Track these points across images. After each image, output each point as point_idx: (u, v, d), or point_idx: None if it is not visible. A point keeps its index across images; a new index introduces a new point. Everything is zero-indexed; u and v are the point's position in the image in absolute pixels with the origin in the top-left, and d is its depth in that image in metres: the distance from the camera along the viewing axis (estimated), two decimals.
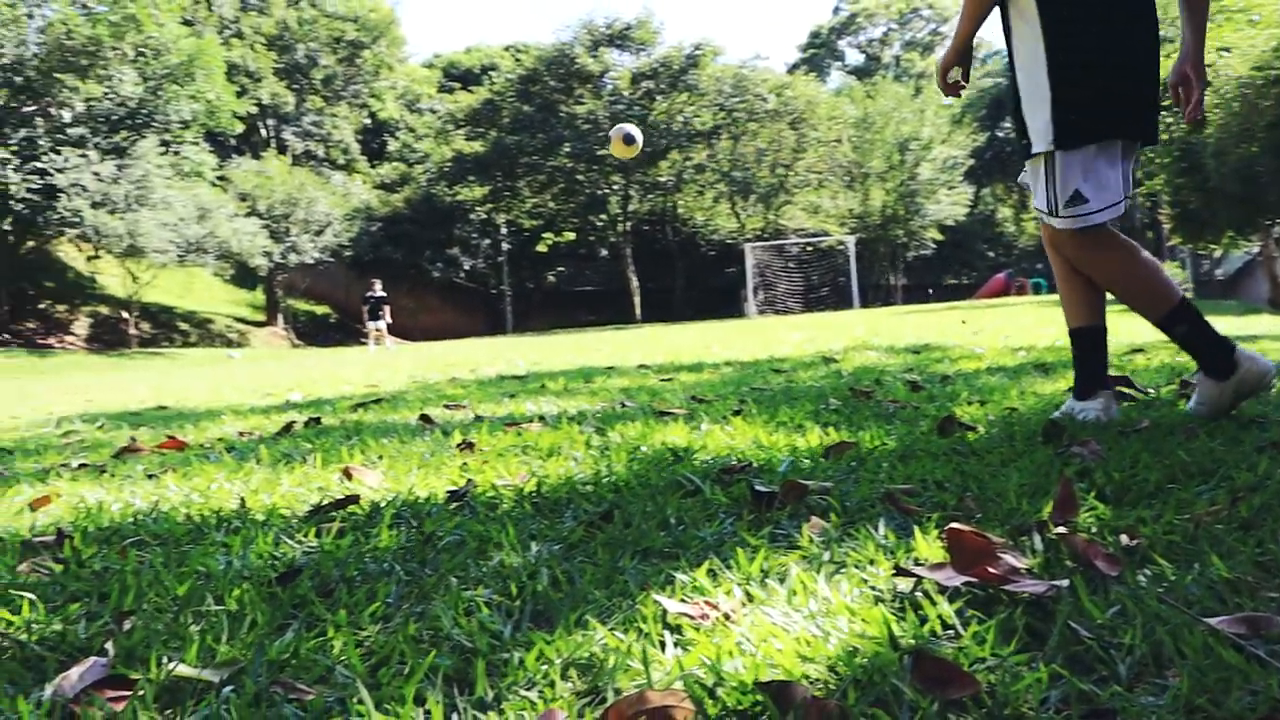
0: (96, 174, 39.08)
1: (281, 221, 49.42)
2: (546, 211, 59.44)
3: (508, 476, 3.05)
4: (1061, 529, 1.99)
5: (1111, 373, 3.64)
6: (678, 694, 1.33)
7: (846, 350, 9.05)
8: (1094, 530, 2.03)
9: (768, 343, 12.82)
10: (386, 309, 32.29)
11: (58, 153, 38.52)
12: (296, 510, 2.79)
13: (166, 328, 46.18)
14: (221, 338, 47.29)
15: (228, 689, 1.51)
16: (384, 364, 16.13)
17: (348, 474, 3.22)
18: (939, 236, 61.86)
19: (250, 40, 57.47)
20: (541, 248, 62.50)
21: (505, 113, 55.12)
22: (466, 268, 60.49)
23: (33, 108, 39.78)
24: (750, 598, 1.77)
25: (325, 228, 51.34)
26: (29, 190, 37.37)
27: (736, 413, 4.34)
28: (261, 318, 52.52)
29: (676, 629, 1.64)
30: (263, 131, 59.25)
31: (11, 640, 1.79)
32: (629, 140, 6.09)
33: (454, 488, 2.90)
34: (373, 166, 64.58)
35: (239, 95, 48.28)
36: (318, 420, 5.38)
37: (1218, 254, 44.53)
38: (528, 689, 1.45)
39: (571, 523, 2.43)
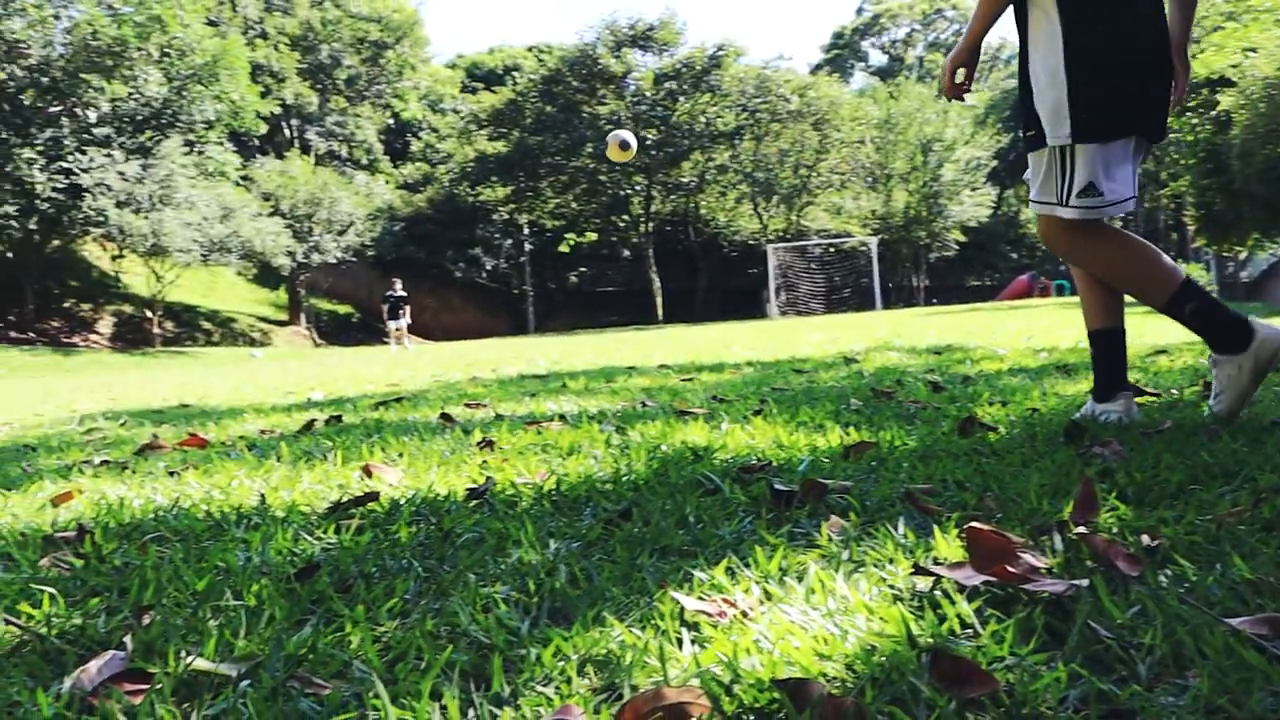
0: (121, 174, 39.28)
1: (304, 221, 49.60)
2: (569, 212, 59.48)
3: (527, 474, 3.06)
4: (1082, 529, 1.97)
5: (1133, 375, 3.63)
6: (694, 691, 1.33)
7: (868, 351, 9.03)
8: (1115, 530, 2.01)
9: (789, 343, 12.80)
10: (407, 308, 32.35)
11: (83, 152, 38.73)
12: (316, 507, 2.80)
13: (190, 327, 46.38)
14: (244, 337, 47.47)
15: (245, 683, 1.51)
16: (405, 363, 16.17)
17: (368, 471, 3.23)
18: (962, 238, 61.72)
19: (274, 40, 57.68)
20: (564, 248, 62.59)
21: (528, 113, 55.16)
22: (489, 268, 60.62)
23: (59, 108, 40.02)
24: (768, 596, 1.76)
25: (348, 227, 51.49)
26: (55, 190, 37.57)
27: (757, 412, 4.33)
28: (284, 317, 52.70)
29: (694, 626, 1.64)
30: (286, 131, 59.47)
31: (32, 634, 1.79)
32: (624, 146, 6.41)
33: (473, 485, 2.90)
34: (396, 166, 64.76)
35: (263, 95, 48.44)
36: (339, 418, 5.39)
37: (1243, 256, 44.22)
38: (544, 685, 1.45)
39: (590, 520, 2.43)
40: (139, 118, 41.77)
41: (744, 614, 1.65)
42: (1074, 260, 3.37)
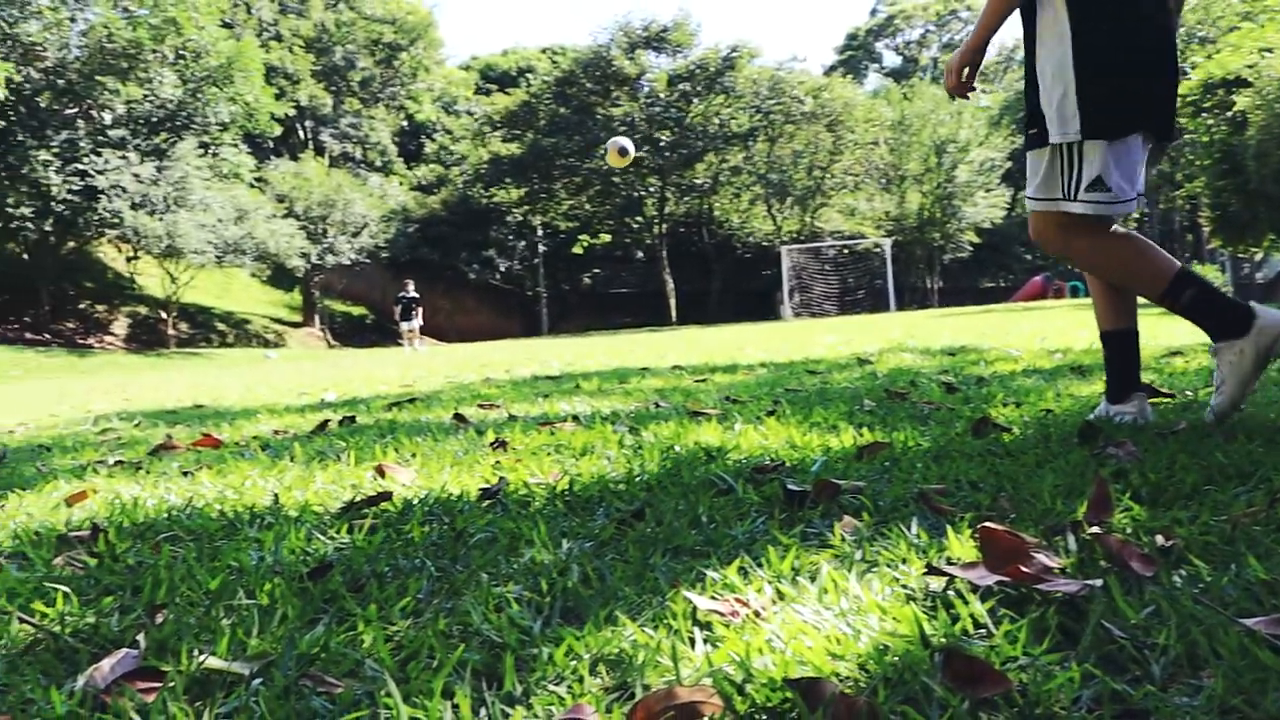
0: (136, 175, 39.43)
1: (319, 223, 49.73)
2: (583, 213, 59.54)
3: (540, 475, 3.06)
4: (1096, 529, 1.97)
5: (1148, 376, 3.61)
6: (706, 690, 1.32)
7: (882, 352, 9.02)
8: (1129, 531, 2.00)
9: (803, 344, 12.79)
10: (419, 310, 32.41)
11: (98, 154, 38.89)
12: (329, 507, 2.80)
13: (204, 328, 46.51)
14: (258, 338, 47.59)
15: (257, 681, 1.51)
16: (419, 364, 16.19)
17: (381, 471, 3.23)
18: (976, 239, 61.59)
19: (289, 43, 57.87)
20: (577, 250, 62.64)
21: (542, 115, 55.22)
22: (503, 269, 60.71)
23: (74, 110, 40.19)
24: (781, 595, 1.76)
25: (362, 229, 51.60)
26: (70, 191, 37.72)
27: (770, 413, 4.32)
28: (298, 318, 52.82)
29: (706, 626, 1.63)
30: (300, 133, 59.64)
31: (46, 632, 1.80)
32: (623, 152, 6.83)
33: (486, 485, 2.90)
34: (410, 168, 64.90)
35: (277, 97, 48.54)
36: (352, 419, 5.40)
37: (1258, 257, 44.13)
38: (556, 684, 1.45)
39: (603, 520, 2.42)
40: (154, 120, 41.93)
41: (756, 613, 1.65)
42: (1068, 257, 3.35)
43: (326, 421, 5.35)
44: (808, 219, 58.50)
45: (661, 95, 55.64)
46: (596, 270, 64.73)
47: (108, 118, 40.58)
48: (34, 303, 40.61)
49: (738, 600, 1.70)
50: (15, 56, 37.82)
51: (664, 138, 54.16)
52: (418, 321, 32.38)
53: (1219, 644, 1.38)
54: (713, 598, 1.75)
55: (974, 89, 3.53)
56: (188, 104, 42.32)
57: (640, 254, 63.11)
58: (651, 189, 56.98)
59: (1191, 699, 1.25)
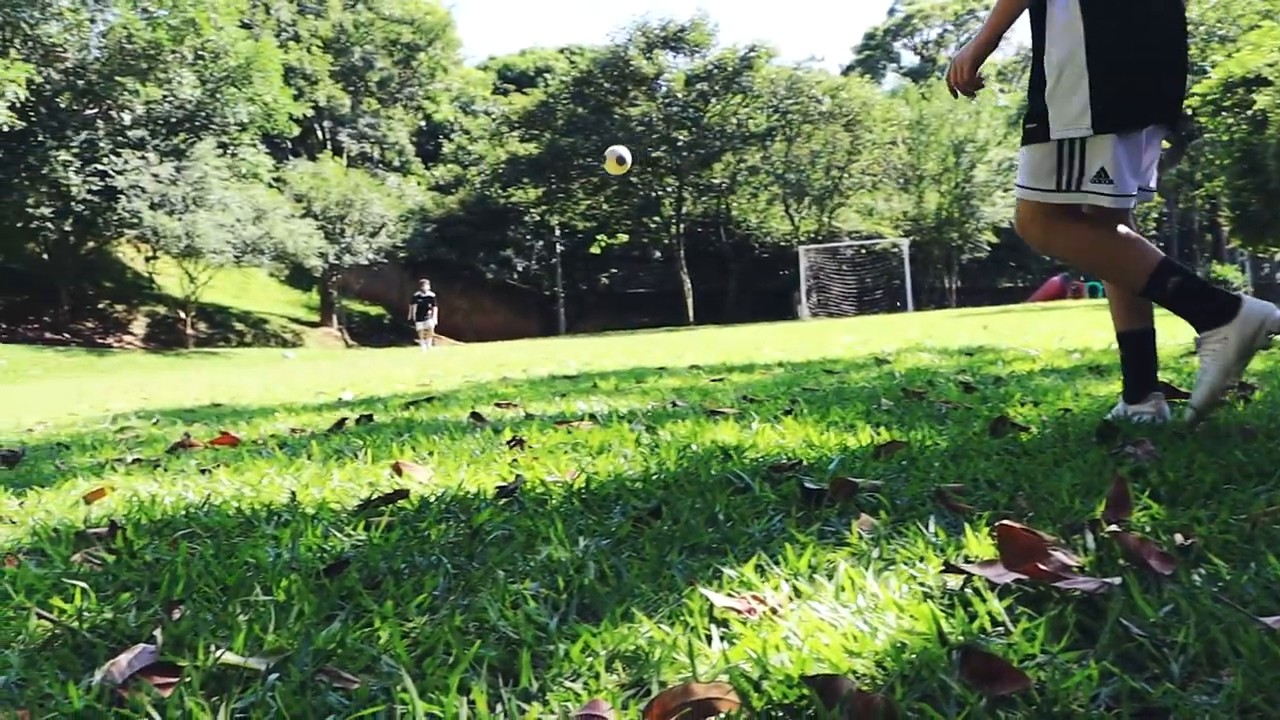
0: (155, 175, 39.55)
1: (337, 223, 49.84)
2: (600, 214, 59.54)
3: (557, 473, 3.06)
4: (1114, 528, 1.96)
5: (1166, 375, 3.59)
6: (723, 686, 1.32)
7: (899, 352, 9.00)
8: (1148, 529, 1.99)
9: (820, 344, 12.77)
10: (434, 309, 32.50)
11: (118, 155, 39.02)
12: (346, 504, 2.81)
13: (222, 328, 46.65)
14: (276, 338, 47.71)
15: (273, 676, 1.52)
16: (436, 364, 16.21)
17: (398, 469, 3.24)
18: (994, 239, 61.36)
19: (307, 43, 57.99)
20: (595, 250, 62.64)
21: (559, 115, 55.22)
22: (520, 269, 60.77)
23: (94, 110, 40.34)
24: (798, 593, 1.75)
25: (380, 229, 51.69)
26: (89, 192, 37.86)
27: (787, 412, 4.32)
28: (316, 318, 52.95)
29: (723, 623, 1.63)
30: (319, 133, 59.79)
31: (64, 627, 1.81)
32: (621, 161, 7.26)
33: (503, 483, 2.91)
34: (427, 168, 65.00)
35: (296, 98, 48.68)
36: (369, 417, 5.41)
37: (1278, 257, 43.90)
38: (572, 680, 1.44)
39: (620, 518, 2.42)
40: (173, 120, 42.06)
41: (773, 611, 1.65)
42: (1050, 248, 3.34)
43: (344, 420, 5.37)
44: (825, 219, 58.38)
45: (679, 95, 55.60)
46: (614, 270, 64.73)
47: (127, 118, 40.72)
48: (53, 302, 40.80)
49: (754, 597, 1.70)
50: (36, 58, 38.00)
51: (681, 137, 54.13)
52: (433, 321, 32.45)
53: (1238, 642, 1.37)
54: (729, 595, 1.74)
55: (982, 85, 3.53)
56: (206, 104, 42.45)
57: (658, 254, 63.09)
58: (669, 189, 56.95)
59: (1211, 697, 1.25)
